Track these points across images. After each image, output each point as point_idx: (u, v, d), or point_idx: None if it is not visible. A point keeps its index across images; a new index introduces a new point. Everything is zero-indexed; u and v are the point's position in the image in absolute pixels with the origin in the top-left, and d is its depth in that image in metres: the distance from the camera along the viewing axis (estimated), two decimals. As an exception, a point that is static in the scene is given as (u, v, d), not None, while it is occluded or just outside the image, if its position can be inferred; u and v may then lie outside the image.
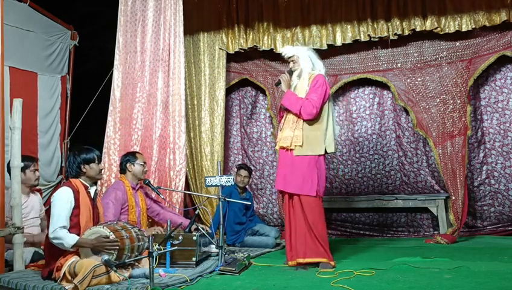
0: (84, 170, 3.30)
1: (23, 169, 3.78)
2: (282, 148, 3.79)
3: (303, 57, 3.91)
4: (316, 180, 3.64)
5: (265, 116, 6.18)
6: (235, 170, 5.22)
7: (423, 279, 3.06)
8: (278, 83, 3.98)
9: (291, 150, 3.73)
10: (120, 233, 3.16)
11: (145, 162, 4.24)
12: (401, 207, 5.43)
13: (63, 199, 3.14)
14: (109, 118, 4.68)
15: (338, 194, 5.80)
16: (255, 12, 5.66)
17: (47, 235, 3.16)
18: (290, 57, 3.97)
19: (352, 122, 5.90)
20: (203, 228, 3.98)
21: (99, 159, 3.39)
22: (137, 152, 4.31)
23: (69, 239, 3.05)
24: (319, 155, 3.71)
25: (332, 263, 3.57)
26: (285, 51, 4.02)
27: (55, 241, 3.07)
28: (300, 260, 3.60)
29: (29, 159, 3.94)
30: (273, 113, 5.92)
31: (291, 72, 3.95)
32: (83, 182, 3.30)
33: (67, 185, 3.24)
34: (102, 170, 3.53)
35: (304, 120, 3.71)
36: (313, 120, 3.70)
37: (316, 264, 3.58)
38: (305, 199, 3.63)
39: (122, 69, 4.75)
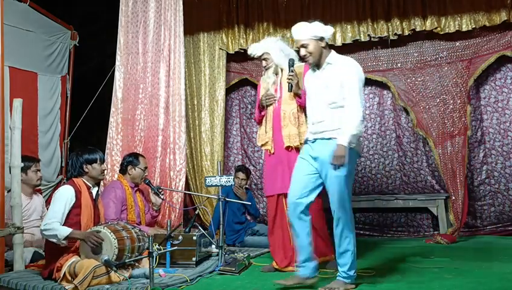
0: (86, 170, 3.31)
1: (24, 169, 3.80)
2: (288, 147, 3.52)
3: (274, 51, 3.60)
4: None
5: (265, 116, 6.17)
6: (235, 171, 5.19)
7: (423, 279, 3.06)
8: (291, 88, 3.46)
9: (296, 149, 3.48)
10: (121, 234, 3.16)
11: (146, 167, 4.24)
12: (401, 207, 5.42)
13: (63, 197, 3.15)
14: (111, 119, 4.68)
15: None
16: (255, 13, 5.66)
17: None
18: (260, 56, 3.66)
19: (352, 122, 5.88)
20: (203, 228, 3.98)
21: (102, 160, 3.41)
22: (141, 155, 4.30)
23: (62, 231, 3.04)
24: None
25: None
26: (253, 50, 3.67)
27: (46, 233, 3.05)
28: None
29: (30, 159, 3.98)
30: (273, 113, 5.92)
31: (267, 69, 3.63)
32: (85, 181, 3.31)
33: (69, 183, 3.25)
34: (105, 171, 3.54)
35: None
36: None
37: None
38: None
39: (124, 70, 4.75)
